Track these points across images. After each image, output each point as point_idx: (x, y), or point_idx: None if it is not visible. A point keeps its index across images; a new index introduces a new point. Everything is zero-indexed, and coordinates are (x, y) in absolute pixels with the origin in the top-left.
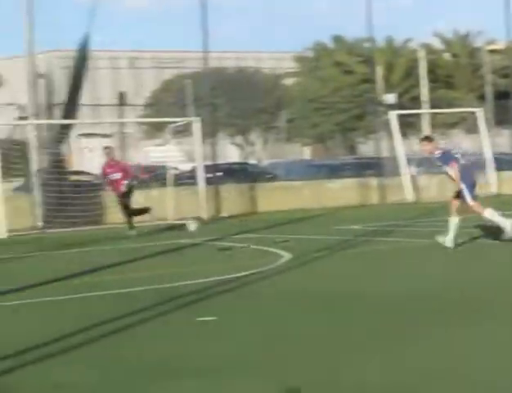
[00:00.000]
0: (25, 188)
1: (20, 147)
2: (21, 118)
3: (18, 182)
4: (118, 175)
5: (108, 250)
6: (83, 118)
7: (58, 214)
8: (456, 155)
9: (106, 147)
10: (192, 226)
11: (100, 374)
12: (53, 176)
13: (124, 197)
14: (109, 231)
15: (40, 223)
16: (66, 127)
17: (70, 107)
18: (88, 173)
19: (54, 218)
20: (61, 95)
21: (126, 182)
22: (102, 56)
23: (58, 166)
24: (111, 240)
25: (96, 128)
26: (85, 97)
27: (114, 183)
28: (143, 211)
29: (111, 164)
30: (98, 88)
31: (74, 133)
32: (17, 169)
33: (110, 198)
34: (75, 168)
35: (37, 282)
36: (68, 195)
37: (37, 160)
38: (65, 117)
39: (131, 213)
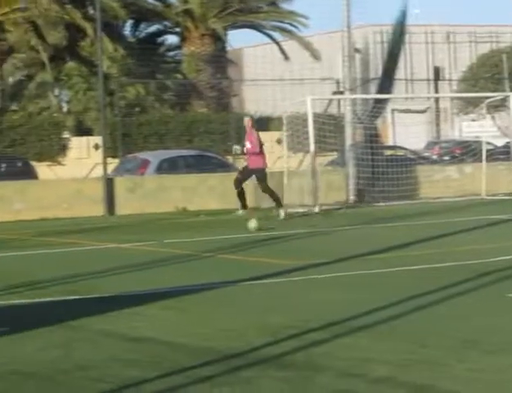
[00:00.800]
0: (339, 162)
1: (335, 122)
2: (337, 92)
3: (332, 156)
4: (248, 144)
5: (418, 225)
6: (398, 93)
7: (371, 189)
8: None
9: (248, 116)
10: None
11: (413, 348)
12: (367, 150)
13: (246, 172)
14: (422, 206)
15: (352, 198)
16: (381, 102)
17: (386, 82)
18: (403, 148)
19: (367, 192)
20: (377, 70)
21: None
22: (418, 30)
23: (373, 141)
24: (423, 215)
25: (411, 103)
26: (400, 71)
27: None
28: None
29: (248, 133)
30: (413, 62)
31: (389, 108)
32: (331, 143)
33: (423, 173)
34: (390, 143)
35: (346, 255)
36: (381, 169)
37: (351, 135)
38: (381, 92)
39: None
